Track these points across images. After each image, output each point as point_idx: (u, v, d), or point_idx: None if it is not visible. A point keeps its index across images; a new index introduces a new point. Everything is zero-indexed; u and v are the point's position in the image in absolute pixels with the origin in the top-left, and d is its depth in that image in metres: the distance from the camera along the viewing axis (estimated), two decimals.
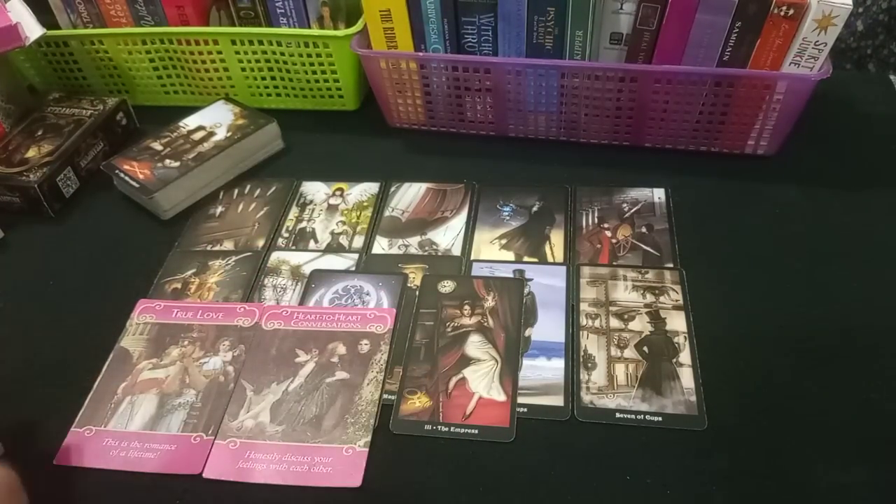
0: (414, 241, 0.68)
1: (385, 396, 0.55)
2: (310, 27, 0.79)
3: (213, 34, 0.80)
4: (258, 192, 0.75)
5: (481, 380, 0.55)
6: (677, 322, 0.58)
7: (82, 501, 0.50)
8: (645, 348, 0.56)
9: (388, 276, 0.64)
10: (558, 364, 0.56)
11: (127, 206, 0.74)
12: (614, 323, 0.58)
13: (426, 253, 0.66)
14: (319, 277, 0.65)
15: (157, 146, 0.75)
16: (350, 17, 0.79)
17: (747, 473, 0.48)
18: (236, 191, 0.75)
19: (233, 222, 0.72)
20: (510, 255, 0.65)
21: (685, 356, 0.55)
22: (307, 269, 0.66)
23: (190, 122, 0.78)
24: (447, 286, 0.62)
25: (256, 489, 0.50)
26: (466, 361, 0.56)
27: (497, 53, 0.72)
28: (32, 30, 0.75)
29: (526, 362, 0.56)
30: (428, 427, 0.53)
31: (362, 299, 0.62)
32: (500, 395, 0.54)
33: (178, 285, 0.65)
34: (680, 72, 0.68)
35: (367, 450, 0.51)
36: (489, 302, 0.61)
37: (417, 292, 0.62)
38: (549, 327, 0.58)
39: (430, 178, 0.74)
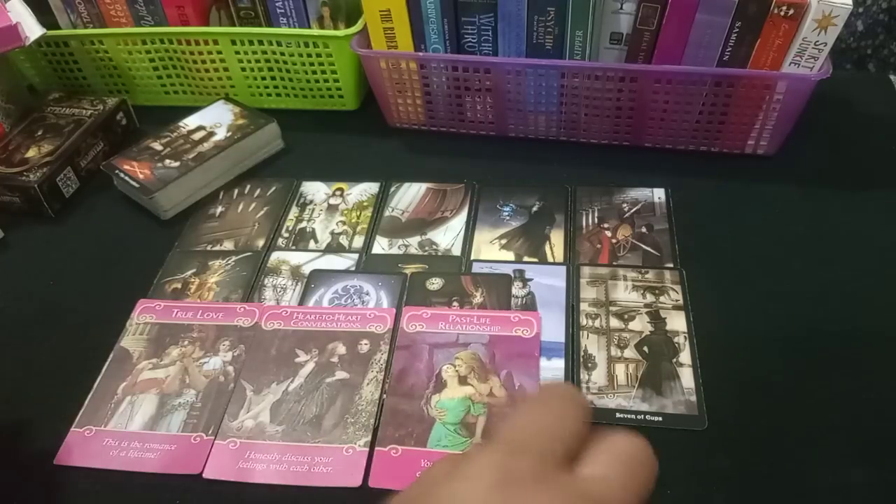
0: (414, 241, 0.68)
1: (385, 396, 0.55)
2: (310, 27, 0.79)
3: (213, 34, 0.80)
4: (258, 192, 0.75)
5: None
6: (677, 322, 0.58)
7: (82, 501, 0.50)
8: (645, 348, 0.56)
9: (388, 276, 0.64)
10: (558, 364, 0.56)
11: (127, 206, 0.74)
12: (614, 323, 0.58)
13: (426, 253, 0.66)
14: (319, 277, 0.65)
15: (157, 146, 0.75)
16: (350, 17, 0.79)
17: (747, 473, 0.48)
18: (236, 191, 0.75)
19: (233, 222, 0.72)
20: (510, 255, 0.65)
21: (685, 356, 0.55)
22: (307, 269, 0.66)
23: (190, 122, 0.78)
24: (435, 283, 0.63)
25: (256, 489, 0.50)
26: None
27: (497, 53, 0.72)
28: (32, 30, 0.75)
29: None
30: None
31: (362, 299, 0.62)
32: None
33: (178, 285, 0.65)
34: (680, 72, 0.68)
35: (367, 449, 0.51)
36: (477, 298, 0.61)
37: (406, 290, 0.63)
38: (549, 327, 0.58)
39: (430, 178, 0.74)
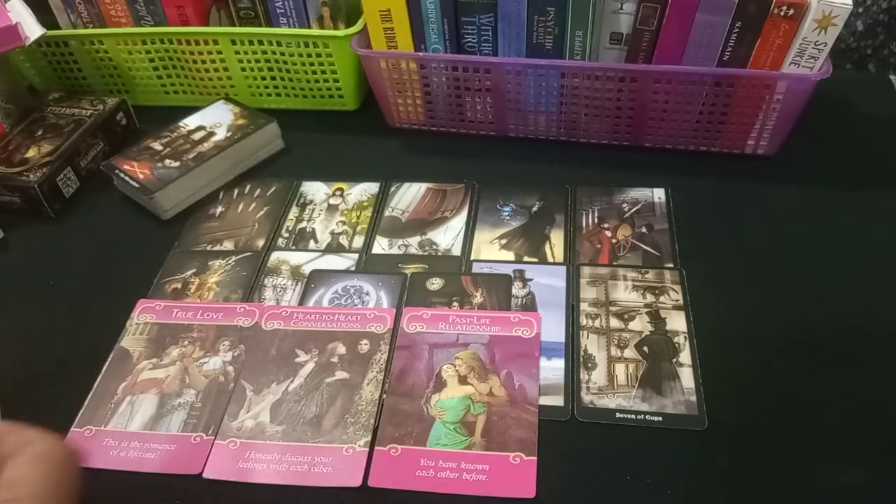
0: (414, 241, 0.68)
1: (385, 396, 0.55)
2: (310, 27, 0.79)
3: (213, 34, 0.80)
4: (258, 192, 0.75)
5: None
6: (677, 322, 0.58)
7: (82, 501, 0.50)
8: (645, 348, 0.56)
9: (387, 276, 0.64)
10: (558, 364, 0.56)
11: (127, 206, 0.74)
12: (614, 323, 0.58)
13: (426, 253, 0.66)
14: (319, 277, 0.65)
15: (157, 146, 0.75)
16: (350, 17, 0.79)
17: (747, 473, 0.48)
18: (236, 191, 0.75)
19: (233, 222, 0.72)
20: (510, 255, 0.65)
21: (685, 356, 0.55)
22: (307, 269, 0.66)
23: (190, 122, 0.78)
24: (435, 283, 0.63)
25: (256, 489, 0.50)
26: None
27: (497, 53, 0.72)
28: (32, 30, 0.75)
29: None
30: None
31: (362, 299, 0.62)
32: None
33: (178, 285, 0.65)
34: (680, 72, 0.68)
35: (367, 449, 0.51)
36: (477, 298, 0.61)
37: (406, 290, 0.62)
38: (549, 327, 0.58)
39: (430, 178, 0.74)
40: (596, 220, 0.68)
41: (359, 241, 0.68)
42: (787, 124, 0.70)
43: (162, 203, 0.71)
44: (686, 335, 0.57)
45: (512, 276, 0.63)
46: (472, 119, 0.79)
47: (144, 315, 0.62)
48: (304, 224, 0.71)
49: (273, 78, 0.83)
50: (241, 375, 0.57)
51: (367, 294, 0.63)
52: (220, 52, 0.82)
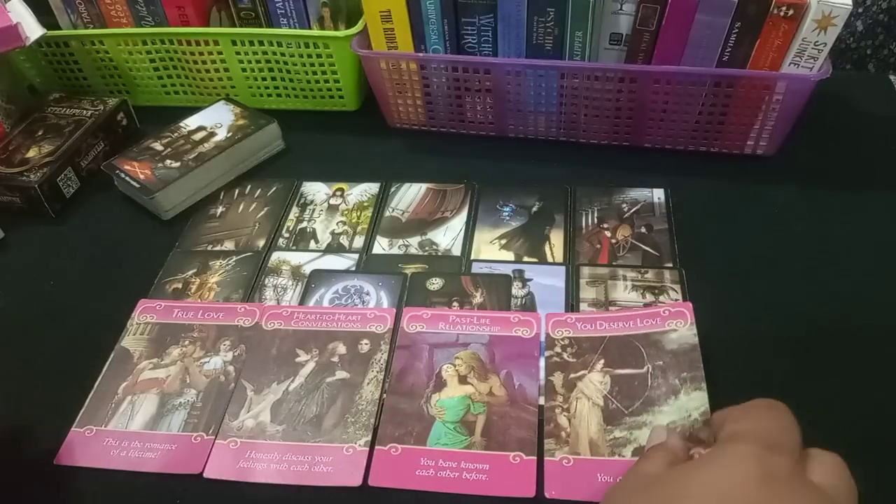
0: (414, 241, 0.68)
1: (385, 396, 0.55)
2: (310, 28, 0.79)
3: (213, 34, 0.81)
4: (259, 192, 0.75)
5: None
6: None
7: (82, 501, 0.50)
8: None
9: (388, 276, 0.64)
10: None
11: (127, 206, 0.74)
12: None
13: (426, 253, 0.67)
14: (319, 277, 0.65)
15: (157, 146, 0.75)
16: (350, 18, 0.79)
17: None
18: (237, 191, 0.75)
19: (233, 222, 0.72)
20: (510, 255, 0.65)
21: None
22: (307, 269, 0.66)
23: (190, 122, 0.78)
24: (435, 283, 0.63)
25: (257, 488, 0.50)
26: None
27: (497, 54, 0.72)
28: (33, 30, 0.75)
29: None
30: None
31: (362, 299, 0.62)
32: None
33: (179, 285, 0.65)
34: (680, 72, 0.68)
35: (367, 449, 0.51)
36: (477, 298, 0.61)
37: (406, 290, 0.63)
38: None
39: (430, 178, 0.74)
40: (595, 220, 0.68)
41: (359, 242, 0.68)
42: (787, 124, 0.70)
43: (163, 203, 0.71)
44: None
45: (512, 276, 0.63)
46: (472, 119, 0.79)
47: (145, 315, 0.62)
48: (304, 224, 0.71)
49: (273, 78, 0.83)
50: (241, 375, 0.57)
51: (368, 294, 0.63)
52: (220, 53, 0.82)
